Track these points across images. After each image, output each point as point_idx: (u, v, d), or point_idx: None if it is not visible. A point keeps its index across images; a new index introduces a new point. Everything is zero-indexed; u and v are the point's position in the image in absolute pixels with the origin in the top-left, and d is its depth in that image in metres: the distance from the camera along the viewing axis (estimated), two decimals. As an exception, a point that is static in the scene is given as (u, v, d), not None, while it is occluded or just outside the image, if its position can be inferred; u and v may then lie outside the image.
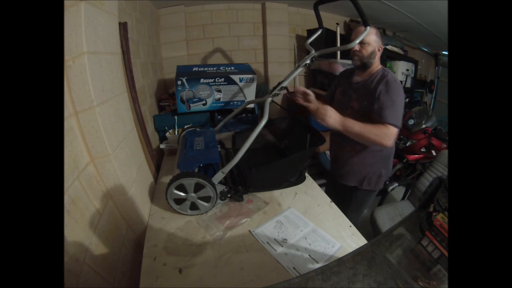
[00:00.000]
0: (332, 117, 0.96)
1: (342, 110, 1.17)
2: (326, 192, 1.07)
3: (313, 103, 1.09)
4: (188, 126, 1.37)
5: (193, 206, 0.90)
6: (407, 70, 2.61)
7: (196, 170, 0.93)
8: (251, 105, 1.71)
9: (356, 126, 0.96)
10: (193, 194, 0.88)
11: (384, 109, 0.97)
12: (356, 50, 1.07)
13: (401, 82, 1.06)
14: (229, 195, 0.96)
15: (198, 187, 0.87)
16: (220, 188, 0.93)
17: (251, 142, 0.92)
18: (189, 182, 0.86)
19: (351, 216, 0.94)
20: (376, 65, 1.10)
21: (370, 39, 1.04)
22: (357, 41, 1.04)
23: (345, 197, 1.23)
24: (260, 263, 0.72)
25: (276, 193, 1.04)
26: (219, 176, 0.92)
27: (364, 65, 1.09)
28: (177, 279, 0.67)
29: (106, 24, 0.77)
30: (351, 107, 1.12)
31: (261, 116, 0.98)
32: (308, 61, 1.14)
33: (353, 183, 1.20)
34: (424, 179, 1.72)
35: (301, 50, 2.42)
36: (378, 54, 1.09)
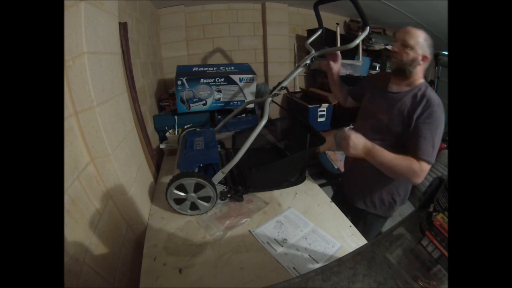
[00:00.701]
0: (357, 149, 0.87)
1: (366, 119, 1.05)
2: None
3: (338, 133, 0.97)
4: (188, 126, 1.37)
5: (193, 206, 0.90)
6: (407, 70, 2.60)
7: (196, 170, 0.93)
8: (251, 105, 1.71)
9: (384, 157, 0.87)
10: (193, 194, 0.88)
11: (420, 140, 0.85)
12: (395, 52, 0.92)
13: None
14: (229, 195, 0.96)
15: (198, 187, 0.87)
16: (220, 188, 0.93)
17: (251, 142, 0.92)
18: (189, 182, 0.86)
19: None
20: (418, 77, 0.93)
21: (415, 42, 0.88)
22: (357, 41, 1.02)
23: (352, 215, 1.10)
24: (260, 263, 0.72)
25: (276, 193, 1.04)
26: (219, 176, 0.92)
27: (401, 72, 0.93)
28: (177, 279, 0.67)
29: (106, 24, 0.77)
30: (378, 118, 0.99)
31: (261, 116, 0.98)
32: (308, 61, 1.14)
33: (362, 206, 1.09)
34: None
35: (301, 50, 2.42)
36: (422, 65, 0.91)
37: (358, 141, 0.88)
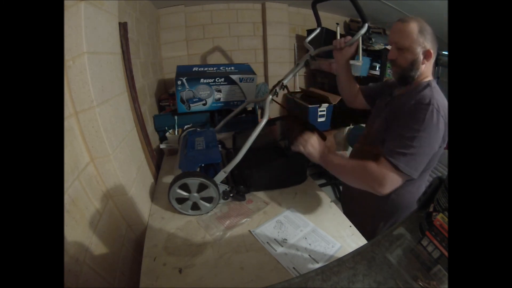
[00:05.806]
0: (314, 146, 0.78)
1: (367, 127, 0.96)
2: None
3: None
4: (188, 126, 1.37)
5: (195, 206, 0.90)
6: (407, 70, 2.60)
7: (198, 170, 0.93)
8: (251, 105, 1.71)
9: (337, 161, 0.74)
10: (196, 194, 0.88)
11: (394, 137, 0.69)
12: (393, 59, 0.78)
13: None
14: (231, 195, 0.95)
15: (201, 187, 0.87)
16: (223, 187, 0.93)
17: (252, 141, 0.92)
18: (193, 182, 0.86)
19: None
20: (423, 77, 0.78)
21: (410, 41, 0.73)
22: (356, 38, 0.92)
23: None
24: (260, 263, 0.72)
25: (276, 193, 1.04)
26: (221, 176, 0.92)
27: (403, 79, 0.80)
28: (177, 279, 0.67)
29: (106, 24, 0.77)
30: (372, 126, 0.89)
31: (261, 116, 0.98)
32: (308, 58, 1.13)
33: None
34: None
35: (301, 50, 2.43)
36: (427, 64, 0.76)
37: (316, 141, 0.80)
